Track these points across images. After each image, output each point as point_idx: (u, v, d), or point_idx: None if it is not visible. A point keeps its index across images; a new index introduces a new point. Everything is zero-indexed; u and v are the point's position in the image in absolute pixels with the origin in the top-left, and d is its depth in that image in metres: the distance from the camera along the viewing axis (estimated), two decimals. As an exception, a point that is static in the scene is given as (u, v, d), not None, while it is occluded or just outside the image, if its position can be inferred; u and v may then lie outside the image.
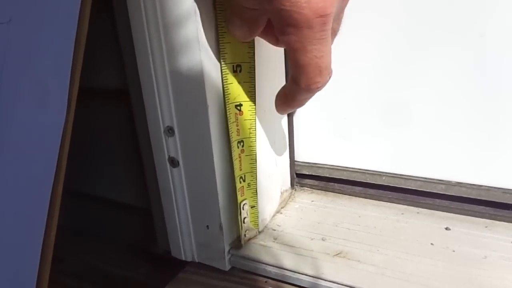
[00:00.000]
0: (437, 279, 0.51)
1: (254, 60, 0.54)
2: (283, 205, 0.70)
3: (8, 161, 0.48)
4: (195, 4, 0.48)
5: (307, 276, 0.55)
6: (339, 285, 0.52)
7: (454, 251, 0.56)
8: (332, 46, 0.42)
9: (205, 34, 0.50)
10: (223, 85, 0.53)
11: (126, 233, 0.75)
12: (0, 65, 0.49)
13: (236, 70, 0.53)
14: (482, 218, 0.61)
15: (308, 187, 0.74)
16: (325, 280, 0.53)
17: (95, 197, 0.76)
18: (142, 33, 0.53)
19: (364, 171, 0.68)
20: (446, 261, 0.54)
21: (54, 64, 0.49)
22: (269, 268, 0.58)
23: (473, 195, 0.61)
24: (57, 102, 0.47)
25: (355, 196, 0.70)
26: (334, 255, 0.57)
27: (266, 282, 0.58)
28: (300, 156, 0.72)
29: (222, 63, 0.52)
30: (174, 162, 0.58)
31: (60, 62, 0.48)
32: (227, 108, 0.54)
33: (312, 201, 0.71)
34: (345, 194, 0.71)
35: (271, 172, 0.66)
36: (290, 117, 0.68)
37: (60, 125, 0.46)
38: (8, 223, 0.46)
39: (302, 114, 0.69)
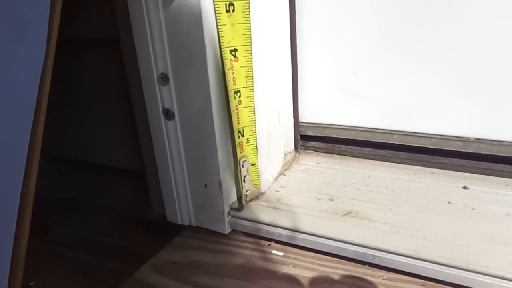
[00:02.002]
0: (458, 236, 0.47)
1: None
2: (286, 167, 0.65)
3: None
4: None
5: (315, 237, 0.50)
6: (350, 245, 0.48)
7: (474, 209, 0.52)
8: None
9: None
10: (217, 27, 0.48)
11: (119, 200, 0.70)
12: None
13: (228, 10, 0.48)
14: (503, 177, 0.57)
15: (313, 150, 0.69)
16: (335, 240, 0.49)
17: (85, 162, 0.71)
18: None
19: (374, 130, 0.63)
20: (466, 218, 0.50)
21: (32, -3, 0.43)
22: (273, 230, 0.53)
23: (492, 151, 0.56)
24: (36, 36, 0.42)
25: (364, 158, 0.66)
26: (344, 215, 0.53)
27: (269, 245, 0.54)
28: (304, 117, 0.67)
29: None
30: (169, 114, 0.53)
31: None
32: (222, 53, 0.49)
33: (318, 163, 0.66)
34: (352, 156, 0.66)
35: (274, 130, 0.61)
36: (294, 71, 0.63)
37: (40, 60, 0.41)
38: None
39: (307, 67, 0.64)
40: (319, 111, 0.66)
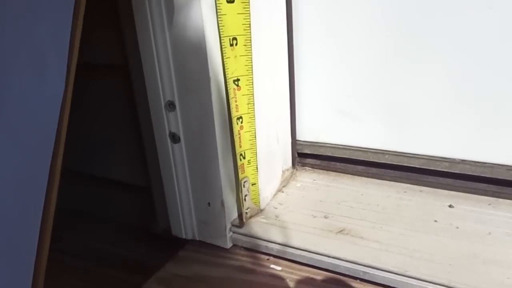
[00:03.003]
0: (441, 254, 0.51)
1: (249, 32, 0.52)
2: (284, 184, 0.69)
3: (5, 133, 0.47)
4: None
5: (310, 253, 0.54)
6: (343, 261, 0.52)
7: (457, 227, 0.56)
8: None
9: (207, 2, 0.48)
10: (222, 59, 0.52)
11: (125, 213, 0.74)
12: (-5, 34, 0.47)
13: (232, 44, 0.52)
14: (486, 196, 0.61)
15: (309, 167, 0.73)
16: (329, 257, 0.53)
17: (94, 176, 0.75)
18: (142, 2, 0.51)
19: (366, 149, 0.67)
20: (450, 237, 0.54)
21: (52, 31, 0.47)
22: (271, 245, 0.57)
23: (477, 172, 0.60)
24: (56, 71, 0.46)
25: (357, 175, 0.70)
26: (337, 232, 0.57)
27: (268, 259, 0.58)
28: (301, 135, 0.71)
29: (221, 35, 0.50)
30: (175, 138, 0.57)
31: (58, 29, 0.46)
32: (227, 83, 0.53)
33: (314, 180, 0.70)
34: (347, 174, 0.70)
35: (273, 150, 0.65)
36: (292, 94, 0.67)
37: (60, 94, 0.45)
38: (5, 195, 0.44)
39: (304, 91, 0.68)
40: (315, 131, 0.70)
